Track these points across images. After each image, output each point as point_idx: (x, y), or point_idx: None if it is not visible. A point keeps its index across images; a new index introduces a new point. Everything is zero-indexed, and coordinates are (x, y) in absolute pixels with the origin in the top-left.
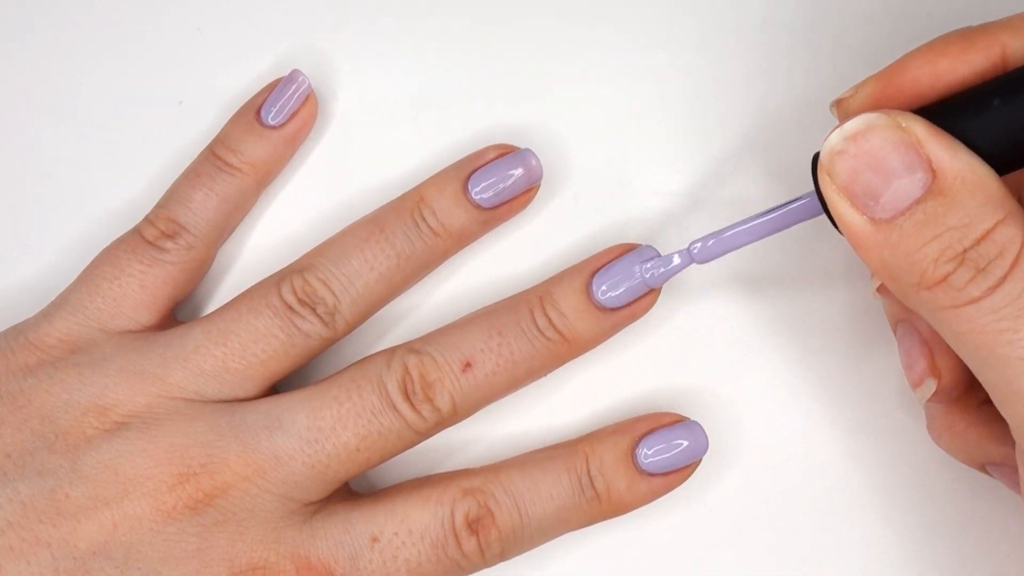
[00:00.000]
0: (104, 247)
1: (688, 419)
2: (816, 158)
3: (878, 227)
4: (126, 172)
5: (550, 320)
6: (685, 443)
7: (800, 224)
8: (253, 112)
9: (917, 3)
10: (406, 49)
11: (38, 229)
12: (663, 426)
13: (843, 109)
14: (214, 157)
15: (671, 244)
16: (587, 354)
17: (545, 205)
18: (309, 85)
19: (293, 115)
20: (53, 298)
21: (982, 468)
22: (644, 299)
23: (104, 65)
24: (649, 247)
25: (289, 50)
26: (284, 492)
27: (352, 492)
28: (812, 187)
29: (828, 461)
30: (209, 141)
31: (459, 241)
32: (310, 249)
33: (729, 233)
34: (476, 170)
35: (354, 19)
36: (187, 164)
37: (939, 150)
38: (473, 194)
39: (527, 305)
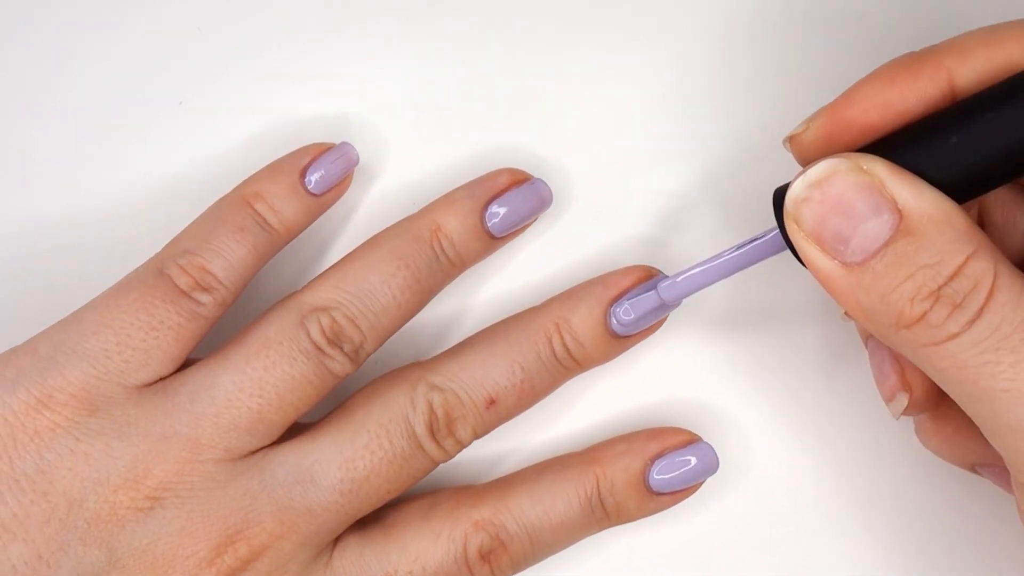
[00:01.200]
0: (109, 254)
1: (699, 438)
2: (776, 194)
3: (850, 271)
4: (126, 172)
5: (568, 351)
6: (695, 463)
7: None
8: (297, 174)
9: (916, 2)
10: (406, 49)
11: (37, 229)
12: (675, 447)
13: (796, 144)
14: (254, 213)
15: (671, 246)
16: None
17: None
18: (358, 160)
19: (335, 186)
20: (52, 299)
21: (972, 469)
22: (657, 326)
23: (104, 65)
24: (662, 275)
25: (289, 50)
26: (316, 541)
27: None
28: (775, 223)
29: (828, 471)
30: (209, 142)
31: (469, 266)
32: (325, 271)
33: (694, 271)
34: (491, 200)
35: (354, 19)
36: (187, 164)
37: (903, 190)
38: (489, 225)
39: (544, 332)
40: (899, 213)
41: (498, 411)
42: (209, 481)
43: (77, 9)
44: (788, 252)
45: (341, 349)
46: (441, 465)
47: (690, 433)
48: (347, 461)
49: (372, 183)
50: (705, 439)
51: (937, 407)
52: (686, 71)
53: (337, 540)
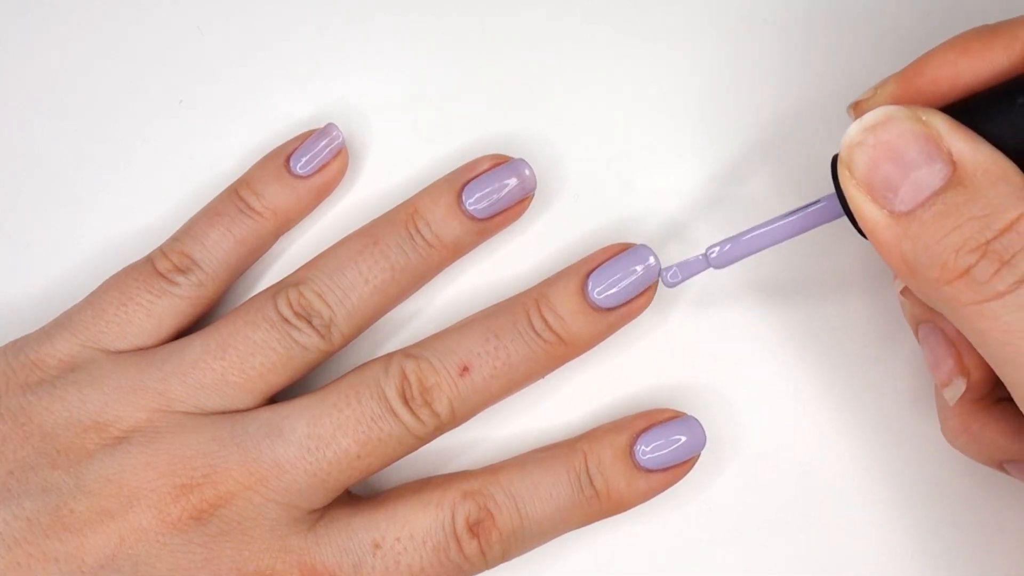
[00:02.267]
0: (109, 253)
1: (685, 414)
2: (834, 159)
3: (898, 220)
4: (125, 172)
5: (546, 322)
6: (683, 438)
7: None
8: (283, 159)
9: (917, 2)
10: (406, 49)
11: (37, 229)
12: (660, 422)
13: (860, 111)
14: (236, 198)
15: (671, 244)
16: (584, 352)
17: (545, 205)
18: (343, 140)
19: (322, 167)
20: (51, 299)
21: (1000, 467)
22: (639, 299)
23: (104, 64)
24: (644, 246)
25: (288, 50)
26: (287, 500)
27: (353, 496)
28: (831, 189)
29: (831, 458)
30: (209, 142)
31: (454, 252)
32: (307, 259)
33: (747, 237)
34: (469, 181)
35: (354, 19)
36: (186, 163)
37: (959, 142)
38: (467, 205)
39: (523, 307)
40: (953, 165)
41: (473, 380)
42: (177, 426)
43: (77, 9)
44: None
45: (309, 322)
46: (435, 461)
47: (677, 411)
48: (314, 417)
49: (371, 183)
50: (718, 427)
51: (979, 402)
52: (686, 69)
53: (325, 512)
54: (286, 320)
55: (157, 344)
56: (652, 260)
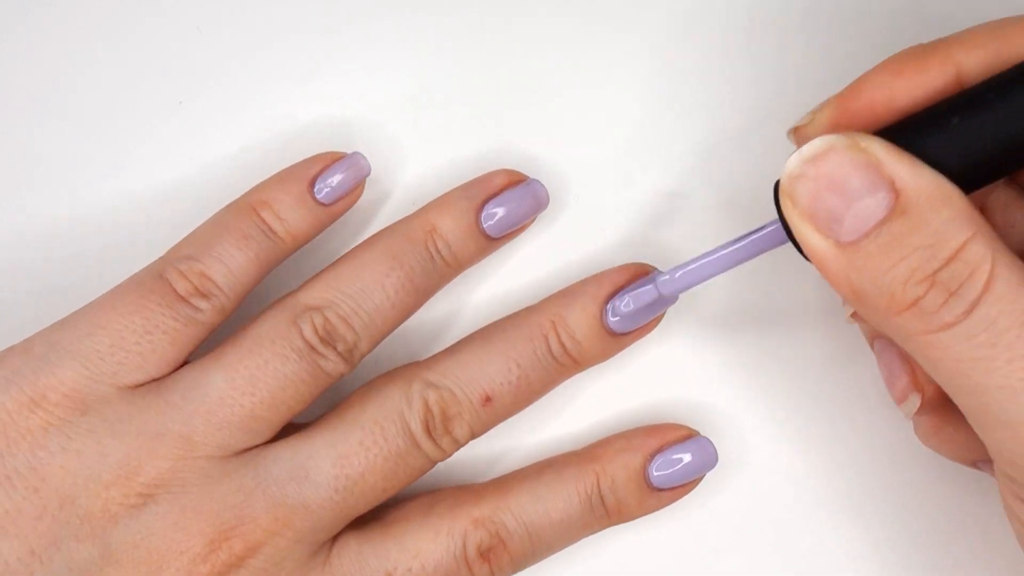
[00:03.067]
0: (108, 254)
1: (697, 433)
2: (777, 185)
3: (843, 250)
4: (125, 172)
5: (564, 348)
6: (695, 459)
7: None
8: (307, 183)
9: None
10: (406, 49)
11: (36, 230)
12: (673, 442)
13: (801, 136)
14: (260, 220)
15: (672, 245)
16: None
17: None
18: (369, 171)
19: (344, 196)
20: (52, 298)
21: (974, 465)
22: (653, 323)
23: (103, 65)
24: (659, 271)
25: (289, 50)
26: (312, 538)
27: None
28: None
29: (828, 471)
30: (208, 142)
31: (467, 265)
32: (320, 272)
33: (693, 267)
34: (488, 200)
35: (354, 19)
36: (186, 164)
37: (900, 168)
38: (484, 226)
39: (540, 330)
40: (895, 192)
41: (495, 409)
42: (202, 477)
43: (77, 9)
44: (788, 248)
45: (335, 348)
46: (439, 464)
47: (688, 429)
48: (341, 457)
49: (371, 183)
50: (701, 432)
51: (941, 406)
52: (686, 70)
53: (335, 538)
54: (313, 348)
55: (170, 371)
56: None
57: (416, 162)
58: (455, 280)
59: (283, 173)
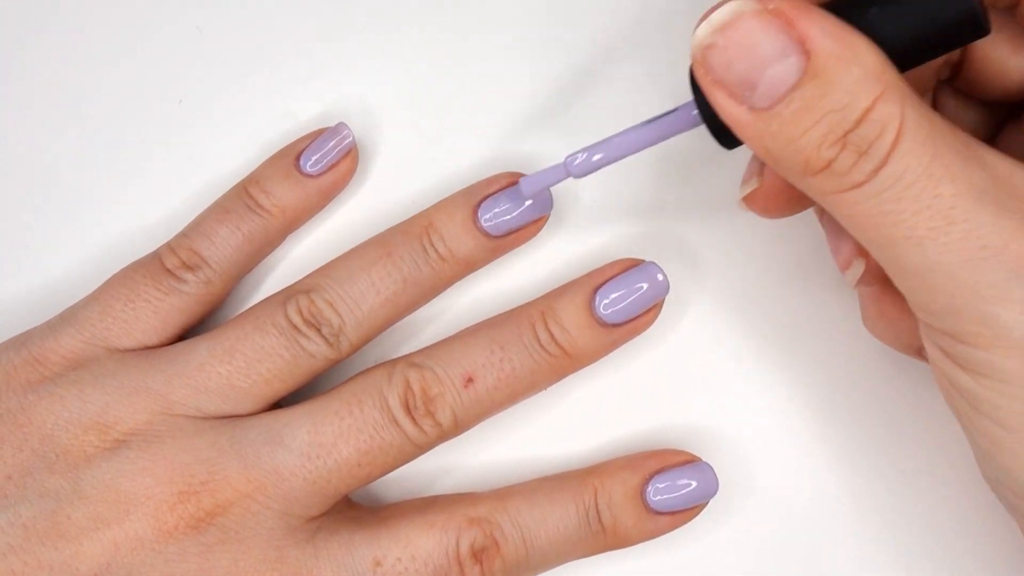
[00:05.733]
0: (109, 253)
1: (699, 459)
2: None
3: (758, 116)
4: (125, 172)
5: (552, 335)
6: (695, 484)
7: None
8: (292, 157)
9: None
10: (407, 49)
11: (37, 229)
12: (674, 466)
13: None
14: (246, 195)
15: (672, 245)
16: (589, 373)
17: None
18: (353, 139)
19: (331, 167)
20: (52, 298)
21: (918, 354)
22: (645, 315)
23: (104, 64)
24: (652, 263)
25: (289, 50)
26: (285, 508)
27: (353, 505)
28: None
29: (832, 489)
30: (208, 142)
31: (466, 267)
32: (311, 261)
33: (606, 144)
34: (486, 198)
35: (354, 19)
36: (186, 163)
37: (811, 28)
38: (482, 222)
39: (528, 319)
40: (807, 54)
41: (477, 391)
42: (177, 431)
43: (77, 9)
44: (789, 250)
45: (318, 331)
46: (436, 474)
47: (691, 455)
48: (315, 424)
49: (371, 183)
50: (706, 459)
51: (886, 284)
52: (687, 71)
53: (325, 522)
54: (295, 327)
55: (163, 343)
56: (660, 277)
57: (418, 164)
58: (454, 286)
59: (274, 153)
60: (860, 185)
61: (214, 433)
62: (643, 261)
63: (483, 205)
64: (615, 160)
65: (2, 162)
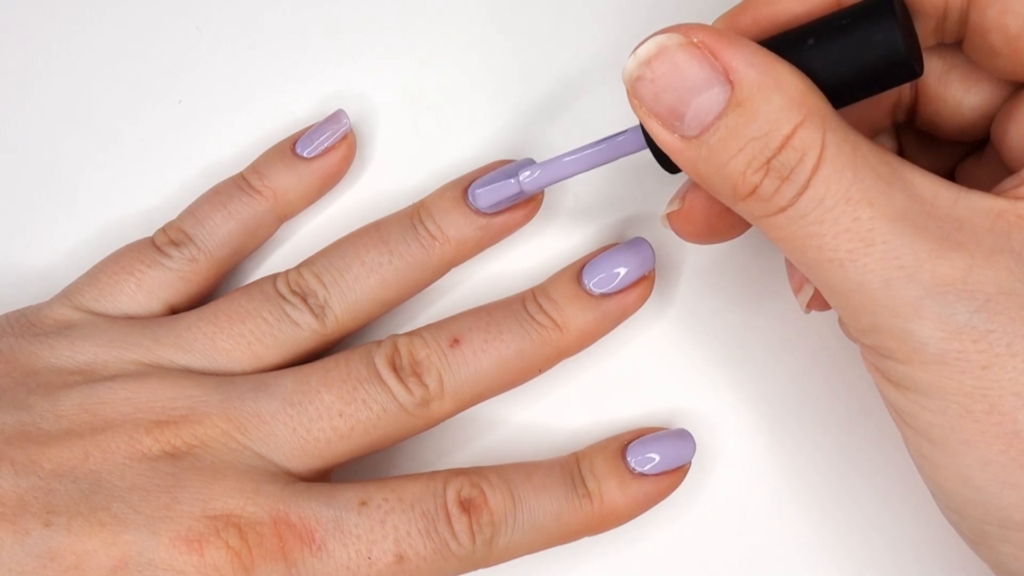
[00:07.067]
0: (104, 254)
1: (676, 428)
2: None
3: (688, 144)
4: (125, 171)
5: (540, 306)
6: (673, 445)
7: None
8: (290, 143)
9: None
10: (407, 49)
11: (37, 228)
12: (652, 432)
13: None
14: (240, 179)
15: (672, 245)
16: (580, 370)
17: (545, 206)
18: (349, 126)
19: (327, 151)
20: (53, 295)
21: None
22: (634, 289)
23: (104, 64)
24: (640, 238)
25: (288, 50)
26: (264, 451)
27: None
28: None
29: (816, 481)
30: (208, 142)
31: (457, 247)
32: (307, 253)
33: (556, 163)
34: (475, 178)
35: (354, 18)
36: (186, 163)
37: (734, 58)
38: (471, 198)
39: (519, 297)
40: (731, 84)
41: (463, 352)
42: (162, 372)
43: (77, 9)
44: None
45: (304, 300)
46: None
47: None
48: (302, 374)
49: (369, 182)
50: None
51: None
52: None
53: (308, 481)
54: (281, 295)
55: (147, 315)
56: (647, 250)
57: (416, 162)
58: (455, 283)
59: (273, 145)
60: (784, 209)
61: (202, 378)
62: (632, 239)
63: (473, 183)
64: (564, 179)
65: (2, 162)
